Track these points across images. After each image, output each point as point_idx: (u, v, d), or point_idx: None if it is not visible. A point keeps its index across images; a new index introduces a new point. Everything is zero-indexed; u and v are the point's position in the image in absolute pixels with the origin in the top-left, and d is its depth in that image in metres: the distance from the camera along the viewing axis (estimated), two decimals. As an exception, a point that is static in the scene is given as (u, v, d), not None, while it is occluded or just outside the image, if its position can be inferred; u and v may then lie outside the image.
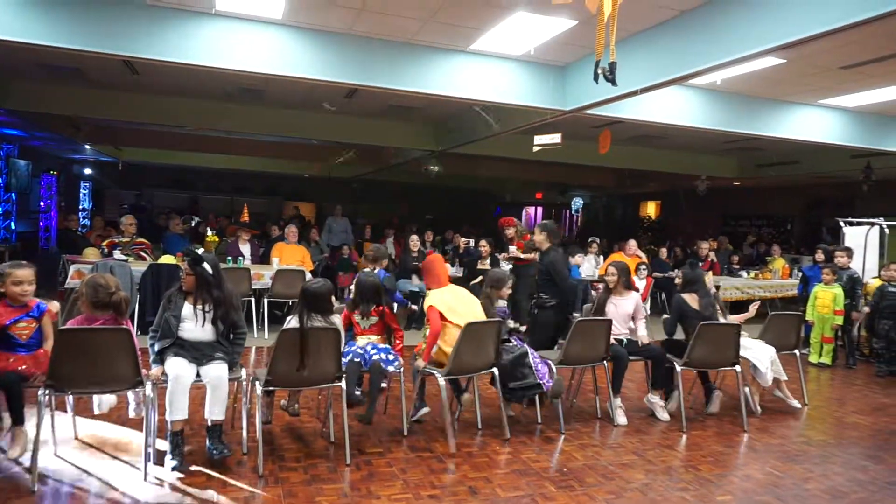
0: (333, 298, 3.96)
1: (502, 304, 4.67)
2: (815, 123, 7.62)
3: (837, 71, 6.18)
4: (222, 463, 3.43)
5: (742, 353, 4.90)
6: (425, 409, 4.29)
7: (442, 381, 3.94)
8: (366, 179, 17.41)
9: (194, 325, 3.59)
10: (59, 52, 5.13)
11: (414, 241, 8.43)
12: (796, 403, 5.09)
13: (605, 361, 4.54)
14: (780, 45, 4.25)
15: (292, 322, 3.76)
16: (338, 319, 3.93)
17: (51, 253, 10.75)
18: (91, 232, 9.99)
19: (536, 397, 4.43)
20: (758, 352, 4.88)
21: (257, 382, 3.59)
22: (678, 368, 4.56)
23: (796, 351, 5.37)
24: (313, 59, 5.65)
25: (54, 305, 3.61)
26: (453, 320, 4.08)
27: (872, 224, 8.29)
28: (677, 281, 5.15)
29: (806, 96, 7.24)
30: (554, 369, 4.32)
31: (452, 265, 8.67)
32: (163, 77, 7.80)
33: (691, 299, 4.82)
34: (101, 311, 3.38)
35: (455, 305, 4.17)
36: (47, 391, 3.15)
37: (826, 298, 6.82)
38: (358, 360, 3.95)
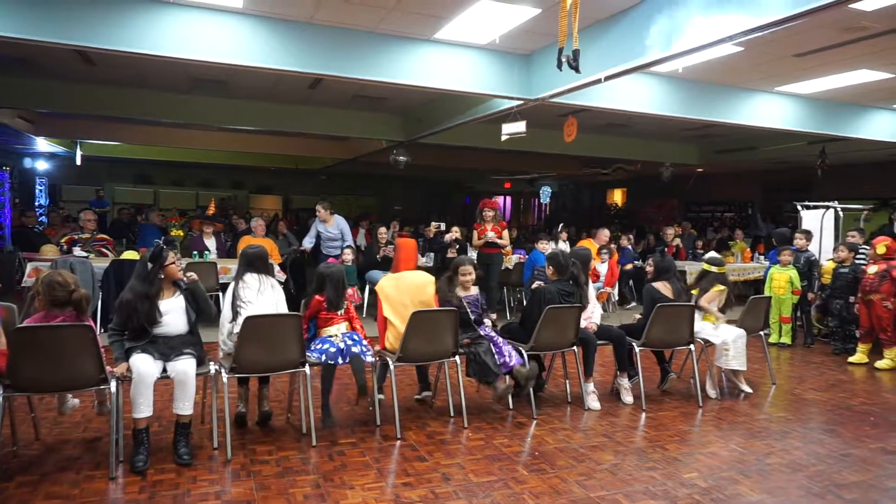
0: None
1: (474, 291, 4.60)
2: (771, 110, 7.82)
3: (791, 59, 6.35)
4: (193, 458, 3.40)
5: (709, 337, 5.04)
6: (380, 396, 4.31)
7: (392, 365, 3.99)
8: (333, 171, 17.23)
9: (171, 317, 3.58)
10: (7, 42, 4.93)
11: (382, 233, 8.38)
12: (748, 388, 5.17)
13: (574, 347, 4.61)
14: (737, 32, 4.35)
15: (229, 292, 3.95)
16: (275, 282, 4.06)
17: (6, 252, 10.39)
18: (49, 229, 9.69)
19: (513, 385, 4.46)
20: (723, 335, 5.01)
21: (223, 370, 3.58)
22: (636, 349, 4.69)
23: (762, 333, 5.55)
24: (275, 49, 5.56)
25: None
26: (386, 309, 4.17)
27: (827, 207, 8.58)
28: (648, 269, 5.20)
29: (762, 83, 7.43)
30: (524, 353, 4.37)
31: (423, 255, 8.60)
32: (120, 68, 7.57)
33: (663, 287, 4.92)
34: (60, 309, 3.29)
35: (396, 295, 4.18)
36: (6, 391, 3.06)
37: (781, 280, 7.05)
38: (332, 361, 3.91)
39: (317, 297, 4.13)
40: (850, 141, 8.89)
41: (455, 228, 7.94)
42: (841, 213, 8.58)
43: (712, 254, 6.05)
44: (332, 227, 7.90)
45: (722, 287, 5.18)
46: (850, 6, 4.09)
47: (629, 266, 9.53)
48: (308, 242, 8.03)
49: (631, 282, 9.54)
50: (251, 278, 3.97)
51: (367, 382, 3.90)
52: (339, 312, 4.14)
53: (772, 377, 5.61)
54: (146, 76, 8.11)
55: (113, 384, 3.26)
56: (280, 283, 4.24)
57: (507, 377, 4.29)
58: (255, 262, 4.05)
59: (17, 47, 5.85)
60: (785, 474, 3.56)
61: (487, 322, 4.55)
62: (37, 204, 15.48)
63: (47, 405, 4.04)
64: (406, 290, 4.22)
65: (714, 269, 5.23)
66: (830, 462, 3.76)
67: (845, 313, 6.74)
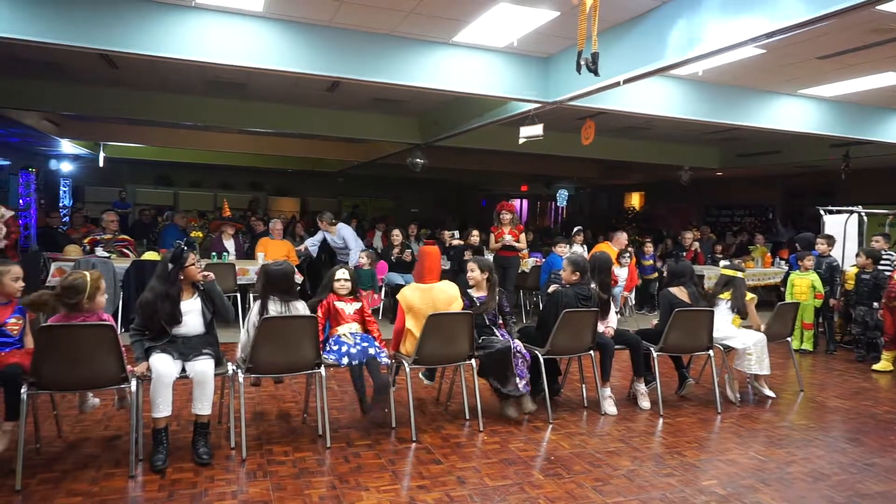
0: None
1: (484, 294, 4.56)
2: (794, 113, 7.71)
3: (815, 61, 6.25)
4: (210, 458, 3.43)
5: (729, 342, 4.97)
6: (393, 388, 4.27)
7: (408, 368, 3.98)
8: (350, 173, 17.33)
9: (190, 317, 3.62)
10: (35, 46, 5.04)
11: (396, 236, 8.37)
12: (771, 393, 5.12)
13: (591, 351, 4.57)
14: (759, 34, 4.30)
15: (253, 311, 3.88)
16: (301, 305, 3.98)
17: (31, 251, 10.59)
18: (70, 229, 9.85)
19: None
20: (745, 339, 4.94)
21: (239, 371, 3.62)
22: (654, 354, 4.64)
23: (788, 339, 5.48)
24: (295, 52, 5.61)
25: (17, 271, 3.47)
26: (409, 321, 4.10)
27: (851, 212, 8.43)
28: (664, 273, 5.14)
29: (785, 86, 7.32)
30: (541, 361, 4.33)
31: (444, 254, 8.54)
32: (143, 71, 7.69)
33: (679, 292, 4.87)
34: (77, 311, 3.35)
35: (419, 308, 4.08)
36: (30, 389, 3.12)
37: (803, 286, 6.93)
38: (357, 362, 3.93)
39: (328, 300, 4.20)
40: (875, 144, 8.73)
41: (475, 232, 7.87)
42: (865, 218, 8.42)
43: (726, 262, 6.00)
44: (336, 237, 7.90)
45: (752, 296, 5.16)
46: (876, 7, 4.01)
47: (654, 275, 9.39)
48: (310, 244, 7.97)
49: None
50: (275, 309, 3.86)
51: (386, 382, 3.91)
52: (349, 312, 4.15)
53: (799, 384, 5.52)
54: (168, 79, 8.23)
55: (133, 383, 3.30)
56: (297, 285, 4.26)
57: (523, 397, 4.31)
58: (280, 282, 3.89)
59: (44, 51, 5.98)
60: (807, 483, 3.50)
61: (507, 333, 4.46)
62: (61, 205, 15.77)
63: (69, 403, 4.11)
64: (433, 303, 4.12)
65: (740, 274, 5.16)
66: (854, 472, 3.69)
67: (868, 320, 6.62)
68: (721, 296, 5.12)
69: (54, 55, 6.81)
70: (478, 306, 4.38)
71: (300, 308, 3.94)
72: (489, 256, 7.64)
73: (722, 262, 5.74)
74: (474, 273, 4.47)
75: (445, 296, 4.20)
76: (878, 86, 6.98)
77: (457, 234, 8.38)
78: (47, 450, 3.52)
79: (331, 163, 15.99)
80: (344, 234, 7.90)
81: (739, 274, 5.15)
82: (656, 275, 9.40)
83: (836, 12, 3.82)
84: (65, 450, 3.55)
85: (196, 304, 3.68)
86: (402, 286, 7.71)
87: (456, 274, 7.02)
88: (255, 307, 3.91)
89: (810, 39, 5.54)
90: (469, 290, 4.48)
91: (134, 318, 3.65)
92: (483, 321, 4.37)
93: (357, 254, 7.58)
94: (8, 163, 12.58)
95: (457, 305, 4.20)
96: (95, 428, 3.88)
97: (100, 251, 6.95)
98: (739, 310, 5.02)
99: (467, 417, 4.28)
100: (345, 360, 3.90)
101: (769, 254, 10.64)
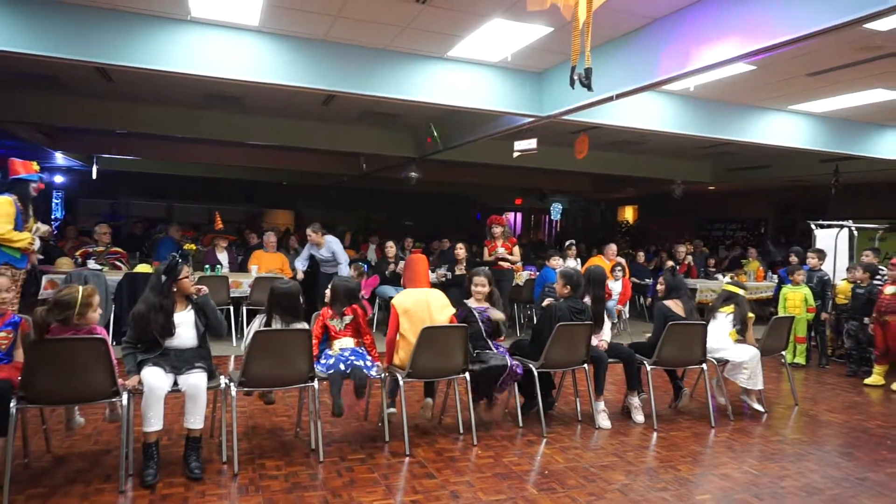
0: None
1: (483, 306, 4.56)
2: (785, 128, 7.80)
3: (805, 77, 6.34)
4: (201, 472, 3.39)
5: (724, 354, 4.98)
6: (391, 410, 4.20)
7: (402, 381, 3.96)
8: (344, 186, 17.35)
9: (183, 330, 3.60)
10: (32, 60, 5.05)
11: (390, 248, 8.35)
12: (760, 408, 5.10)
13: (585, 364, 4.57)
14: (749, 51, 4.36)
15: (255, 322, 3.88)
16: (302, 327, 3.93)
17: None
18: (64, 242, 9.79)
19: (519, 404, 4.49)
20: (741, 354, 4.96)
21: (232, 385, 3.59)
22: (647, 368, 4.65)
23: (783, 352, 5.50)
24: (290, 66, 5.65)
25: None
26: (404, 324, 4.10)
27: (842, 227, 8.49)
28: (659, 288, 5.12)
29: (776, 102, 7.41)
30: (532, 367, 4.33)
31: (433, 271, 8.49)
32: (138, 84, 7.71)
33: (674, 305, 4.88)
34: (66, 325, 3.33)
35: (415, 311, 4.11)
36: (19, 403, 3.08)
37: (796, 299, 6.97)
38: (333, 371, 3.89)
39: (322, 315, 4.18)
40: (865, 160, 8.83)
41: (460, 245, 7.79)
42: (855, 233, 8.49)
43: (728, 279, 6.04)
44: (323, 250, 7.57)
45: (751, 315, 5.19)
46: (864, 26, 4.08)
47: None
48: (300, 265, 7.78)
49: (642, 298, 9.41)
50: (276, 328, 3.84)
51: (364, 382, 3.84)
52: (339, 328, 4.13)
53: (795, 398, 5.53)
54: (163, 92, 8.25)
55: (125, 397, 3.27)
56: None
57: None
58: (283, 302, 3.89)
59: (38, 64, 5.98)
60: (800, 498, 3.50)
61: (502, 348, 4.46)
62: (53, 217, 15.70)
63: (59, 417, 4.06)
64: (427, 305, 4.15)
65: (741, 291, 5.19)
66: (847, 486, 3.69)
67: (861, 336, 6.65)
68: (722, 309, 5.14)
69: (49, 68, 6.82)
70: (475, 318, 4.37)
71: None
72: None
73: (725, 279, 5.78)
74: (484, 288, 4.46)
75: (439, 302, 4.25)
76: (866, 102, 7.09)
77: (449, 274, 8.17)
78: (36, 465, 3.48)
79: (325, 176, 16.02)
80: (334, 248, 7.66)
81: (741, 291, 5.19)
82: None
83: (824, 30, 3.89)
84: (54, 465, 3.50)
85: (189, 316, 3.66)
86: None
87: (446, 288, 6.95)
88: (256, 321, 3.91)
89: (800, 56, 5.63)
90: (466, 301, 4.48)
91: (126, 331, 3.63)
92: (479, 333, 4.37)
93: (346, 266, 7.53)
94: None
95: (448, 311, 4.23)
96: (85, 443, 3.84)
97: (92, 263, 6.91)
98: (742, 325, 5.04)
99: (461, 431, 4.27)
100: (330, 371, 3.88)
101: (762, 268, 10.69)
